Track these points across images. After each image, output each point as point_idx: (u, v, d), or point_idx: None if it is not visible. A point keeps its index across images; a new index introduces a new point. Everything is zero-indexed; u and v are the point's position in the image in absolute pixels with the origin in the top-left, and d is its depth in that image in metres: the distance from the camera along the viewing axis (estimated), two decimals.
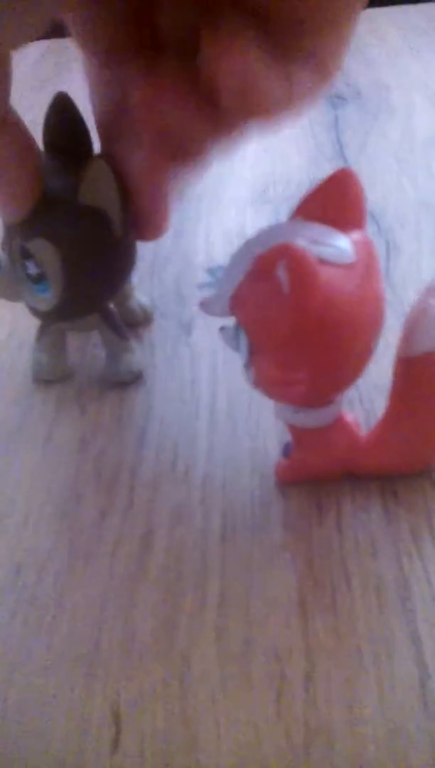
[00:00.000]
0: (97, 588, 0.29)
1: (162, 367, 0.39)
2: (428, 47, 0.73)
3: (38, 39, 0.28)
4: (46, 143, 0.34)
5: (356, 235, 0.26)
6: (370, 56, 0.72)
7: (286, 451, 0.32)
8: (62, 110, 0.34)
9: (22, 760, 0.24)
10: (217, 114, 0.27)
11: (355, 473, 0.31)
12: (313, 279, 0.24)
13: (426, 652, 0.25)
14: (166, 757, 0.24)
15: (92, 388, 0.38)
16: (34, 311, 0.36)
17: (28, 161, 0.30)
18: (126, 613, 0.28)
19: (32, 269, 0.33)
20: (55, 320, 0.37)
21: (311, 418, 0.29)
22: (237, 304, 0.27)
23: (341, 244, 0.26)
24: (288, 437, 0.32)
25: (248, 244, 0.26)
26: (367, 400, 0.35)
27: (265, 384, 0.27)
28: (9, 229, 0.33)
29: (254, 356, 0.27)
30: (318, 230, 0.26)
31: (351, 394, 0.34)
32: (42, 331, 0.38)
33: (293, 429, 0.30)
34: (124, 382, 0.38)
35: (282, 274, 0.24)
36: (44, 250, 0.32)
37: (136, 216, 0.34)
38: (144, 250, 0.37)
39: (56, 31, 0.28)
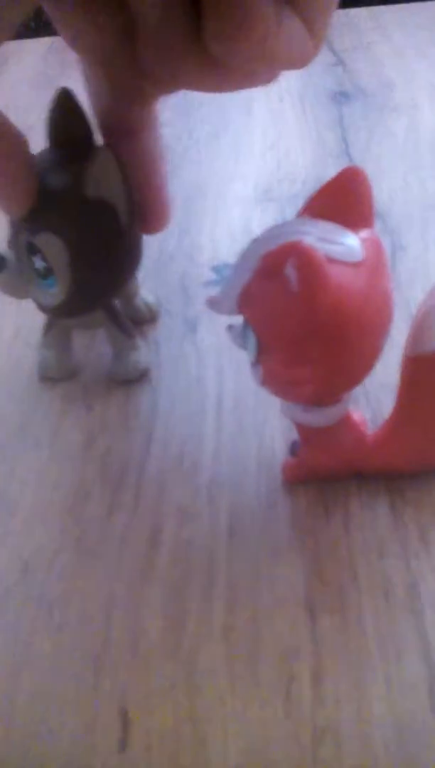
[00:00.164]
0: (104, 586, 0.29)
1: (168, 365, 0.39)
2: (433, 45, 0.72)
3: (41, 36, 0.28)
4: (49, 138, 0.34)
5: (365, 233, 0.26)
6: (375, 54, 0.71)
7: (293, 450, 0.32)
8: (65, 105, 0.34)
9: (30, 759, 0.24)
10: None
11: (363, 472, 0.31)
12: (322, 277, 0.24)
13: (434, 652, 0.25)
14: (174, 756, 0.24)
15: (98, 387, 0.38)
16: (42, 307, 0.36)
17: (19, 159, 0.30)
18: (133, 611, 0.28)
19: (39, 264, 0.33)
20: (62, 315, 0.37)
21: (319, 417, 0.29)
22: (245, 302, 0.27)
23: (350, 242, 0.26)
24: (295, 436, 0.32)
25: (256, 242, 0.26)
26: (373, 398, 0.35)
27: (273, 382, 0.27)
28: (14, 226, 0.33)
29: (262, 355, 0.27)
30: (326, 228, 0.26)
31: (357, 392, 0.33)
32: (48, 330, 0.38)
33: (300, 428, 0.30)
34: (130, 380, 0.38)
35: (291, 272, 0.24)
36: (51, 244, 0.32)
37: (139, 208, 0.34)
38: (149, 248, 0.37)
39: None
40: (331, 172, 0.27)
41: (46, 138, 0.34)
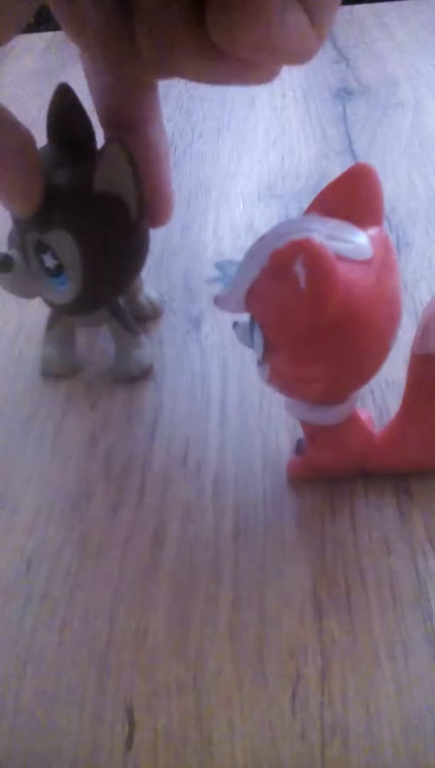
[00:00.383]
0: (108, 584, 0.29)
1: (171, 362, 0.39)
2: None
3: (43, 31, 0.28)
4: (49, 133, 0.34)
5: (373, 230, 0.26)
6: (378, 51, 0.71)
7: (299, 448, 0.32)
8: (64, 100, 0.33)
9: (35, 757, 0.24)
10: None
11: (369, 471, 0.31)
12: (330, 275, 0.23)
13: None
14: (180, 755, 0.24)
15: (102, 384, 0.38)
16: (52, 304, 0.36)
17: (27, 157, 0.30)
18: (138, 609, 0.28)
19: (49, 262, 0.33)
20: (74, 312, 0.37)
21: (325, 416, 0.29)
22: (253, 300, 0.26)
23: (359, 240, 0.25)
24: (300, 433, 0.31)
25: (264, 240, 0.26)
26: (379, 397, 0.35)
27: (280, 381, 0.27)
28: (21, 225, 0.33)
29: (269, 353, 0.27)
30: (335, 226, 0.26)
31: (364, 390, 0.33)
32: (51, 327, 0.38)
33: (306, 426, 0.30)
34: (133, 377, 0.38)
35: (299, 270, 0.24)
36: (62, 240, 0.32)
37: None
38: (152, 244, 0.36)
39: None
40: (334, 168, 0.27)
41: (46, 134, 0.34)
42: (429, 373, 0.29)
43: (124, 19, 0.26)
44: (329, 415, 0.29)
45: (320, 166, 0.54)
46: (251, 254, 0.26)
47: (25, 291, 0.35)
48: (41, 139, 0.33)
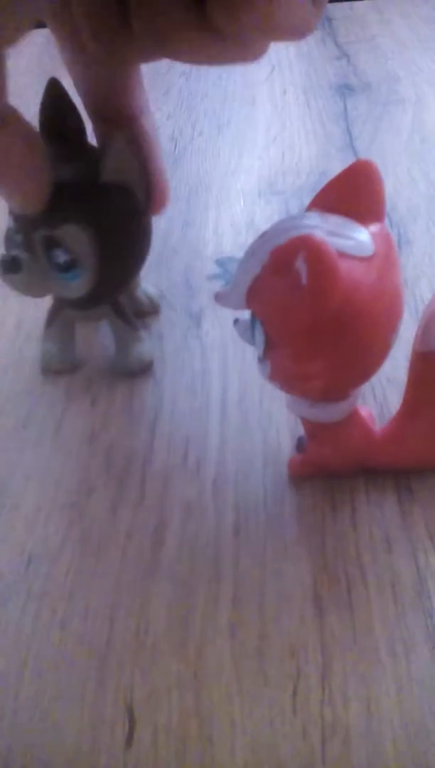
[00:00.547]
0: (109, 581, 0.29)
1: (172, 359, 0.39)
2: None
3: (42, 27, 0.28)
4: (42, 128, 0.34)
5: (374, 227, 0.26)
6: (379, 47, 0.71)
7: (300, 445, 0.32)
8: (55, 94, 0.33)
9: (35, 754, 0.24)
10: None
11: (370, 468, 0.31)
12: (332, 271, 0.23)
13: None
14: (181, 753, 0.24)
15: (102, 380, 0.38)
16: (62, 299, 0.36)
17: (36, 155, 0.30)
18: (139, 607, 0.28)
19: (61, 257, 0.32)
20: (85, 306, 0.36)
21: (326, 413, 0.29)
22: (254, 296, 0.26)
23: (360, 237, 0.25)
24: (301, 431, 0.31)
25: (265, 237, 0.26)
26: (380, 394, 0.35)
27: (282, 377, 0.27)
28: (27, 223, 0.33)
29: (270, 349, 0.26)
30: (336, 222, 0.25)
31: (365, 388, 0.33)
32: (50, 322, 0.38)
33: (307, 423, 0.30)
34: (134, 373, 0.38)
35: (301, 266, 0.24)
36: (74, 234, 0.32)
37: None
38: (152, 241, 0.36)
39: None
40: (335, 165, 0.27)
41: (39, 129, 0.33)
42: (430, 370, 0.29)
43: (116, 4, 0.26)
44: (330, 413, 0.29)
45: (321, 162, 0.54)
46: (252, 251, 0.26)
47: (34, 290, 0.34)
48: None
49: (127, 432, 0.35)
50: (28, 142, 0.29)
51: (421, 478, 0.31)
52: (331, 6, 0.81)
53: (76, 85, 0.33)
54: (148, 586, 0.28)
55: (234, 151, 0.57)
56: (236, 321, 0.28)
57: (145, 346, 0.38)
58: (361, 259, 0.25)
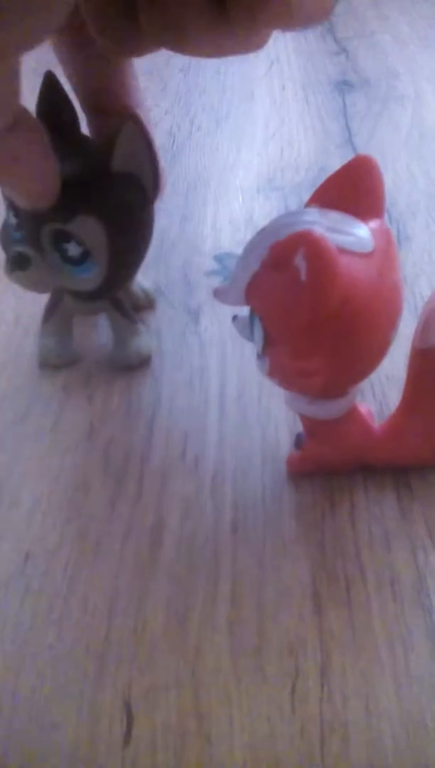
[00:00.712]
0: (106, 579, 0.29)
1: (170, 355, 0.39)
2: None
3: None
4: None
5: (374, 223, 0.26)
6: (378, 44, 0.71)
7: (298, 442, 0.32)
8: (51, 88, 0.33)
9: (33, 752, 0.24)
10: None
11: (369, 465, 0.31)
12: (332, 268, 0.23)
13: None
14: (179, 750, 0.24)
15: (100, 376, 0.38)
16: (70, 293, 0.35)
17: (47, 152, 0.29)
18: (137, 604, 0.28)
19: (73, 250, 0.32)
20: (99, 297, 0.36)
21: (325, 410, 0.29)
22: (253, 293, 0.26)
23: (360, 233, 0.25)
24: (300, 427, 0.31)
25: (264, 232, 0.26)
26: (379, 391, 0.35)
27: (280, 374, 0.27)
28: (34, 219, 0.32)
29: (269, 346, 0.26)
30: (336, 218, 0.25)
31: (364, 385, 0.33)
32: (48, 317, 0.38)
33: (306, 420, 0.30)
34: (132, 366, 0.38)
35: (300, 262, 0.23)
36: (88, 226, 0.32)
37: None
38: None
39: None
40: (334, 161, 0.26)
41: None
42: (429, 367, 0.29)
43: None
44: (329, 409, 0.29)
45: (320, 158, 0.53)
46: (251, 247, 0.26)
47: (42, 285, 0.34)
48: None
49: (125, 428, 0.35)
50: (40, 140, 0.29)
51: (420, 475, 0.31)
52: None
53: (71, 79, 0.33)
54: (146, 583, 0.28)
55: (232, 146, 0.57)
56: (235, 317, 0.28)
57: (144, 339, 0.38)
58: (361, 255, 0.25)
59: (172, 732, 0.24)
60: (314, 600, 0.27)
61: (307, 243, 0.23)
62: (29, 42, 0.23)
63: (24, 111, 0.28)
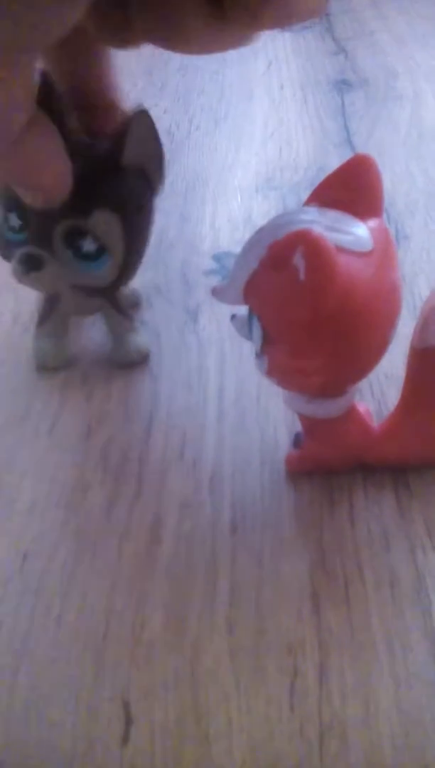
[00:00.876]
0: (105, 578, 0.29)
1: (168, 354, 0.39)
2: None
3: None
4: None
5: (373, 222, 0.26)
6: (377, 43, 0.71)
7: (297, 442, 0.32)
8: (45, 86, 0.33)
9: (31, 752, 0.24)
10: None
11: (368, 464, 0.31)
12: (331, 266, 0.23)
13: None
14: (177, 750, 0.24)
15: (98, 376, 0.38)
16: (83, 289, 0.35)
17: (62, 151, 0.29)
18: (135, 604, 0.28)
19: (89, 247, 0.32)
20: (113, 291, 0.36)
21: (324, 409, 0.29)
22: (251, 291, 0.26)
23: (359, 232, 0.25)
24: (298, 427, 0.31)
25: (262, 231, 0.26)
26: (378, 390, 0.35)
27: (279, 373, 0.27)
28: (47, 218, 0.32)
29: (268, 345, 0.26)
30: (335, 217, 0.25)
31: (362, 384, 0.33)
32: (44, 320, 0.38)
33: (304, 419, 0.30)
34: (132, 363, 0.38)
35: (299, 261, 0.23)
36: (105, 220, 0.32)
37: None
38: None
39: None
40: (333, 160, 0.26)
41: None
42: (428, 366, 0.29)
43: None
44: (328, 409, 0.29)
45: (318, 157, 0.53)
46: (250, 246, 0.26)
47: (55, 284, 0.34)
48: None
49: (123, 428, 0.35)
50: (54, 138, 0.29)
51: (418, 475, 0.31)
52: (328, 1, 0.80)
53: (55, 75, 0.33)
54: (145, 582, 0.28)
55: (231, 146, 0.57)
56: (233, 316, 0.28)
57: (142, 336, 0.38)
58: (360, 254, 0.25)
59: (171, 731, 0.24)
60: (313, 599, 0.27)
61: (305, 242, 0.23)
62: (46, 36, 0.23)
63: (38, 109, 0.28)
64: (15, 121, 0.26)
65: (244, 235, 0.45)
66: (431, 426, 0.30)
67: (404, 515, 0.29)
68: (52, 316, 0.38)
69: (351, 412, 0.30)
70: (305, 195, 0.27)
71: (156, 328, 0.40)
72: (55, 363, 0.38)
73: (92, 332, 0.40)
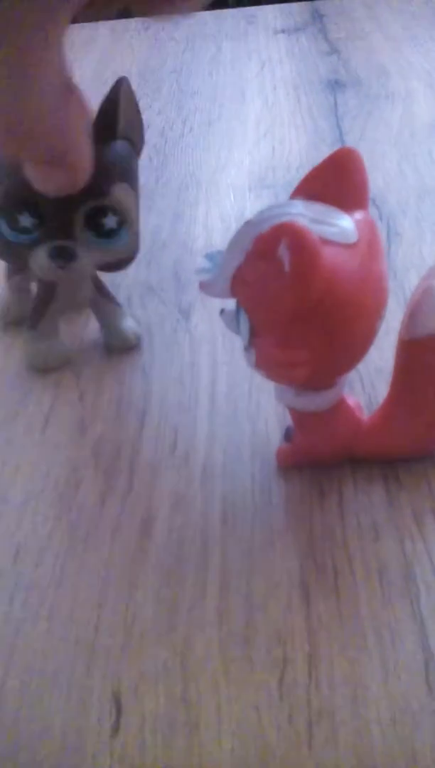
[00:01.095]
0: (96, 572, 0.29)
1: (161, 351, 0.39)
2: (428, 34, 0.72)
3: None
4: None
5: (359, 214, 0.26)
6: (370, 43, 0.71)
7: (287, 435, 0.32)
8: None
9: (22, 743, 0.24)
10: None
11: (357, 457, 0.31)
12: (315, 258, 0.23)
13: (430, 634, 0.25)
14: (167, 740, 0.24)
15: (90, 372, 0.38)
16: (108, 266, 0.35)
17: (89, 130, 0.29)
18: (126, 596, 0.28)
19: (110, 222, 0.33)
20: (129, 264, 0.36)
21: (313, 402, 0.29)
22: (238, 284, 0.26)
23: (343, 224, 0.25)
24: (289, 421, 0.31)
25: (248, 224, 0.26)
26: (368, 383, 0.35)
27: (266, 365, 0.27)
28: (68, 204, 0.32)
29: (255, 337, 0.26)
30: (320, 210, 0.25)
31: (352, 377, 0.33)
32: (36, 324, 0.37)
33: (294, 413, 0.30)
34: (131, 346, 0.39)
35: (284, 253, 0.24)
36: (124, 193, 0.33)
37: None
38: (142, 235, 0.36)
39: None
40: None
41: None
42: (415, 358, 0.29)
43: None
44: (317, 402, 0.29)
45: (311, 157, 0.54)
46: (236, 239, 0.26)
47: (85, 271, 0.34)
48: None
49: (115, 424, 0.35)
50: (86, 116, 0.28)
51: (407, 467, 0.31)
52: (321, 2, 0.81)
53: None
54: (136, 575, 0.28)
55: (224, 146, 0.57)
56: (222, 311, 0.29)
57: (131, 320, 0.40)
58: (345, 246, 0.25)
59: (161, 721, 0.24)
60: (302, 590, 0.27)
61: (289, 234, 0.23)
62: None
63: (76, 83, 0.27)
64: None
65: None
66: (420, 417, 0.30)
67: (393, 506, 0.30)
68: (45, 317, 0.38)
69: (341, 406, 0.30)
70: None
71: (149, 326, 0.41)
72: (55, 363, 0.38)
73: (82, 329, 0.40)
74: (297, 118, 0.60)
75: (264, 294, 0.25)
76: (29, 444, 0.35)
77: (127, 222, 0.33)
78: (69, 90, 0.27)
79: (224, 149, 0.57)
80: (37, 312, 0.38)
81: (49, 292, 0.37)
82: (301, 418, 0.30)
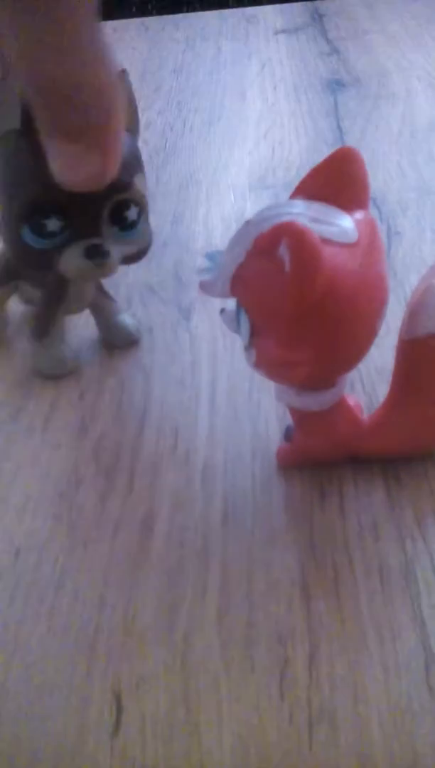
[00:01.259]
0: (97, 571, 0.29)
1: (162, 351, 0.39)
2: (428, 34, 0.72)
3: None
4: None
5: (359, 214, 0.26)
6: (370, 43, 0.71)
7: (288, 435, 0.32)
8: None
9: (22, 743, 0.24)
10: None
11: (358, 456, 0.31)
12: (315, 258, 0.23)
13: (430, 634, 0.25)
14: (168, 739, 0.24)
15: (91, 372, 0.38)
16: (131, 259, 0.35)
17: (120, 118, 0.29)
18: (127, 596, 0.28)
19: (132, 214, 0.33)
20: (145, 254, 0.36)
21: (313, 401, 0.29)
22: (238, 284, 0.26)
23: (344, 223, 0.25)
24: (289, 421, 0.31)
25: (249, 224, 0.26)
26: (368, 383, 0.35)
27: (267, 365, 0.27)
28: (97, 201, 0.31)
29: (255, 337, 0.26)
30: (320, 209, 0.25)
31: (352, 377, 0.33)
32: (45, 333, 0.37)
33: (295, 412, 0.30)
34: (133, 341, 0.39)
35: (284, 253, 0.24)
36: (142, 183, 0.33)
37: None
38: None
39: None
40: None
41: None
42: (415, 357, 0.29)
43: None
44: (317, 401, 0.29)
45: (311, 157, 0.54)
46: (236, 238, 0.26)
47: (116, 266, 0.34)
48: None
49: (116, 424, 0.35)
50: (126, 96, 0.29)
51: (408, 466, 0.31)
52: (321, 2, 0.81)
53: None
54: (137, 575, 0.28)
55: (224, 146, 0.57)
56: (222, 310, 0.29)
57: (130, 316, 0.40)
58: (345, 245, 0.25)
59: (161, 721, 0.24)
60: (303, 589, 0.27)
61: (290, 234, 0.23)
62: None
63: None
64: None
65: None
66: (420, 416, 0.30)
67: (394, 506, 0.29)
68: (53, 327, 0.37)
69: (341, 405, 0.30)
70: None
71: (149, 325, 0.41)
72: (72, 367, 0.38)
73: (81, 329, 0.40)
74: (297, 118, 0.60)
75: (264, 294, 0.25)
76: (30, 444, 0.35)
77: (143, 212, 0.34)
78: (108, 64, 0.27)
79: (224, 149, 0.57)
80: (45, 319, 0.37)
81: (58, 296, 0.36)
82: (301, 417, 0.30)
